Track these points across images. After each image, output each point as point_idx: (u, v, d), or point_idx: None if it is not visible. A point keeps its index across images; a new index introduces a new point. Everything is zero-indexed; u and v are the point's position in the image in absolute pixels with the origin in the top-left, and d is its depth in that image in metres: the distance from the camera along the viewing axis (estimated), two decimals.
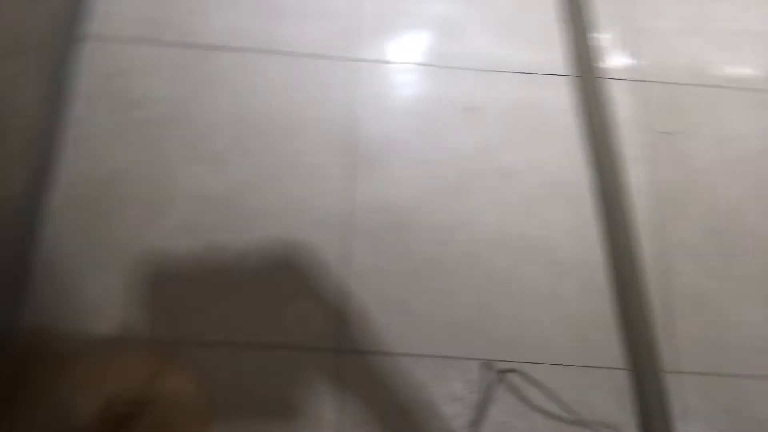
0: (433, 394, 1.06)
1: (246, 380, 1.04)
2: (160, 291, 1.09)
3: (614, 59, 1.36)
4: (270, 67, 1.27)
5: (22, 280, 1.06)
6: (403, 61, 1.32)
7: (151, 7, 1.29)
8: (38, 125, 1.13)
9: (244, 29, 1.29)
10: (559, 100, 1.31)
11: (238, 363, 1.05)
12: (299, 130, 1.23)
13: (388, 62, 1.31)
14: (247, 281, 1.10)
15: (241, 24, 1.29)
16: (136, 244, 1.11)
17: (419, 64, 1.32)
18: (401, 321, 1.10)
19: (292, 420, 1.02)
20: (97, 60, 1.24)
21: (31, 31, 1.11)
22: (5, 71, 1.02)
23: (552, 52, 1.35)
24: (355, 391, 1.04)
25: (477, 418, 1.04)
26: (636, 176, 1.25)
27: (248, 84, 1.25)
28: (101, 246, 1.11)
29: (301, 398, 1.03)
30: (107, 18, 1.27)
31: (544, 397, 1.06)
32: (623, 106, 1.31)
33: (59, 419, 0.63)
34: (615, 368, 1.10)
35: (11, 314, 1.04)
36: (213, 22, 1.29)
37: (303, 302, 1.10)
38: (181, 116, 1.22)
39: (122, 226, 1.13)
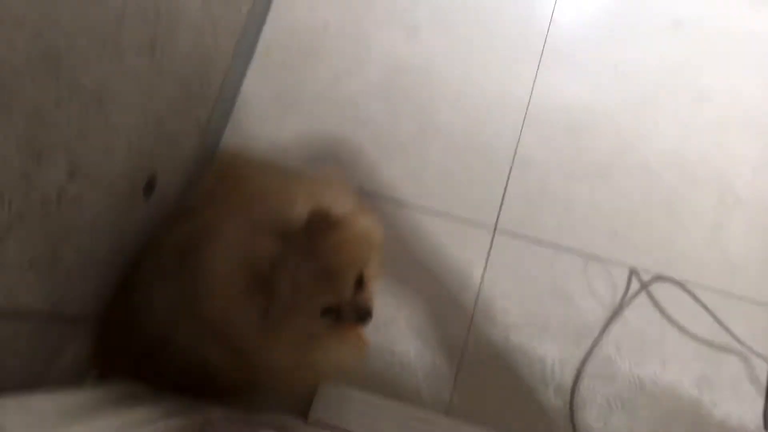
0: (574, 287, 1.12)
1: (408, 237, 1.14)
2: (346, 143, 1.19)
3: None
4: None
5: (230, 107, 1.20)
6: None
7: None
8: None
9: None
10: None
11: (404, 220, 1.15)
12: (496, 14, 1.26)
13: None
14: (431, 152, 1.19)
15: None
16: (329, 95, 1.21)
17: None
18: (557, 214, 1.15)
19: (438, 280, 1.12)
20: None
21: None
22: None
23: None
24: (500, 267, 1.13)
25: (612, 315, 1.09)
26: None
27: None
28: (298, 90, 1.22)
29: (451, 263, 1.13)
30: None
31: (683, 312, 1.09)
32: None
33: (271, 219, 0.74)
34: (761, 303, 1.11)
35: (219, 135, 1.19)
36: None
37: (472, 180, 1.17)
38: None
39: (319, 75, 1.23)
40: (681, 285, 1.06)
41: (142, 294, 0.86)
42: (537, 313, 1.10)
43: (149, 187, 0.94)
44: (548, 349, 1.08)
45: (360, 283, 0.77)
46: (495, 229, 1.13)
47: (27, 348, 0.72)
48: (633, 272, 1.11)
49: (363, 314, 0.76)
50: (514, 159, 1.17)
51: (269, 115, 1.20)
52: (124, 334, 0.86)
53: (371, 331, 1.07)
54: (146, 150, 0.89)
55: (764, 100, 1.21)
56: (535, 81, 1.20)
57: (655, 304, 1.10)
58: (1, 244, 0.62)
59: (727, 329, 1.03)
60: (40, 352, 0.76)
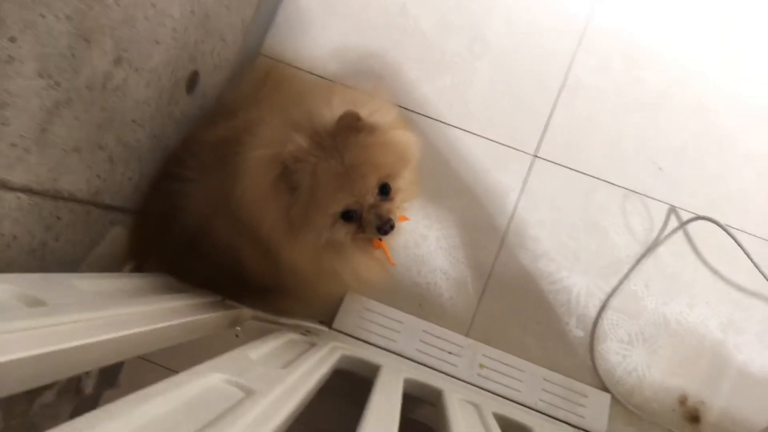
0: (609, 220, 1.10)
1: (445, 156, 1.12)
2: (390, 55, 1.16)
3: None
4: None
5: (275, 8, 1.17)
6: None
7: None
8: None
9: None
10: None
11: (443, 139, 1.13)
12: None
13: None
14: (478, 69, 1.15)
15: None
16: (378, 5, 1.17)
17: None
18: (601, 144, 1.12)
19: (473, 202, 1.11)
20: None
21: None
22: None
23: None
24: (536, 194, 1.11)
25: (644, 253, 1.08)
26: None
27: None
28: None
29: (487, 186, 1.11)
30: None
31: (718, 255, 1.07)
32: None
33: (305, 118, 0.74)
34: None
35: (261, 37, 1.16)
36: None
37: (518, 102, 1.14)
38: None
39: None
40: (722, 226, 1.03)
41: (180, 188, 0.86)
42: (568, 243, 1.09)
43: (192, 82, 0.93)
44: (576, 281, 1.08)
45: (387, 194, 0.76)
46: (535, 154, 1.11)
47: (68, 232, 0.74)
48: (672, 210, 1.09)
49: (384, 223, 0.75)
50: (564, 83, 1.13)
51: (314, 19, 1.16)
52: (161, 228, 0.88)
53: (401, 249, 1.08)
54: (191, 44, 0.87)
55: None
56: (594, 6, 1.14)
57: (691, 244, 1.09)
58: (47, 125, 0.62)
59: (764, 275, 1.01)
60: (80, 238, 0.77)
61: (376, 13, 1.16)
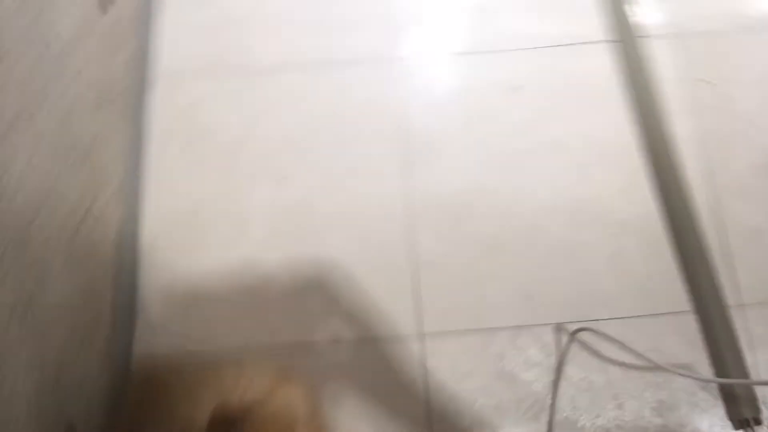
0: (512, 363, 1.14)
1: (341, 378, 1.14)
2: (249, 317, 1.21)
3: (649, 17, 1.40)
4: (321, 79, 1.37)
5: (131, 312, 1.19)
6: (445, 52, 1.40)
7: (209, 41, 1.42)
8: (124, 169, 1.26)
9: (293, 49, 1.42)
10: (599, 65, 1.37)
11: (328, 364, 1.15)
12: (356, 135, 1.33)
13: (429, 55, 1.39)
14: (336, 284, 1.22)
15: (290, 45, 1.41)
16: (222, 266, 1.24)
17: (460, 53, 1.39)
18: (473, 299, 1.18)
19: (383, 401, 1.13)
20: (164, 98, 1.37)
21: (112, 83, 1.22)
22: (88, 129, 1.12)
23: (586, 20, 1.41)
24: (439, 371, 1.13)
25: (556, 378, 1.11)
26: (682, 127, 1.29)
27: (305, 98, 1.36)
28: (194, 271, 1.24)
29: (392, 383, 1.13)
30: (170, 57, 1.40)
31: (617, 349, 1.12)
32: (663, 62, 1.36)
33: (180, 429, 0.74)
34: (681, 312, 1.15)
35: (128, 346, 1.17)
36: (265, 47, 1.42)
37: (384, 298, 1.20)
38: (247, 140, 1.33)
39: (210, 250, 1.25)
40: (593, 330, 1.11)
41: None
42: (489, 402, 1.11)
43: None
44: None
45: None
46: (421, 333, 1.15)
47: None
48: (558, 328, 1.14)
49: None
50: (416, 260, 1.21)
51: (172, 311, 1.20)
52: None
53: None
54: (53, 405, 0.87)
55: (609, 130, 1.31)
56: (412, 184, 1.27)
57: (590, 350, 1.13)
58: None
59: (648, 360, 1.06)
60: None
61: (222, 277, 1.22)
